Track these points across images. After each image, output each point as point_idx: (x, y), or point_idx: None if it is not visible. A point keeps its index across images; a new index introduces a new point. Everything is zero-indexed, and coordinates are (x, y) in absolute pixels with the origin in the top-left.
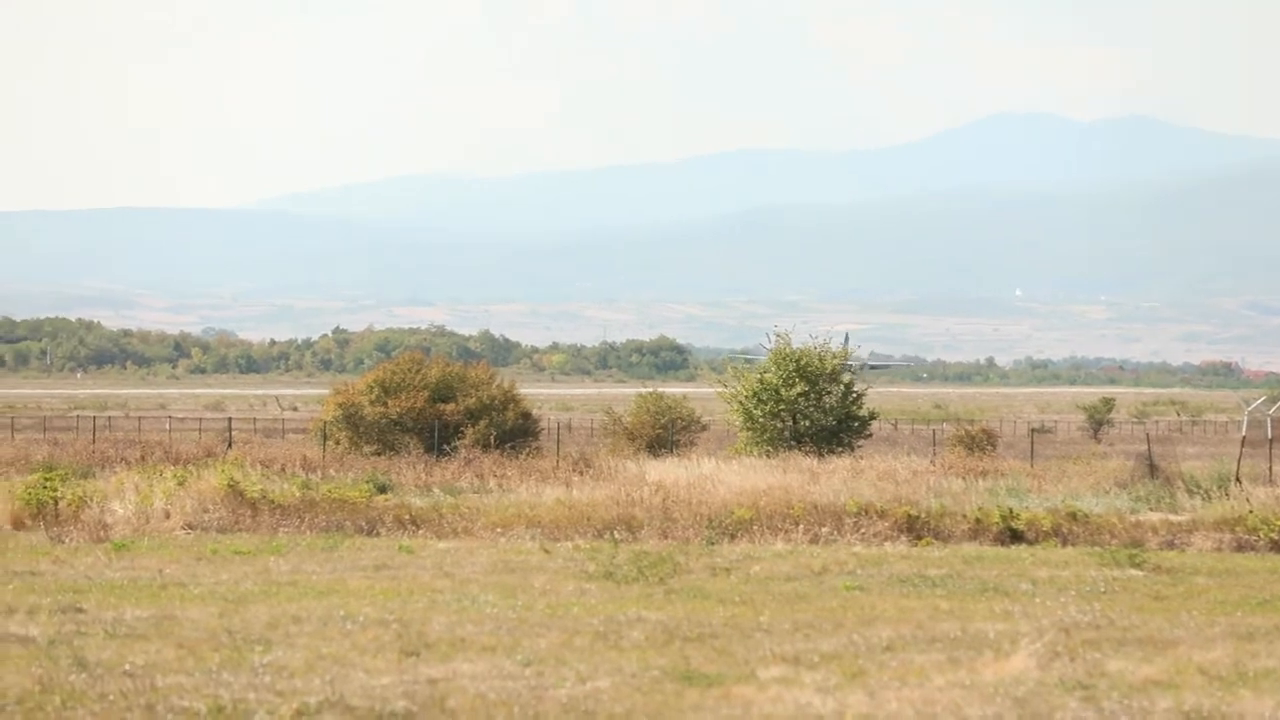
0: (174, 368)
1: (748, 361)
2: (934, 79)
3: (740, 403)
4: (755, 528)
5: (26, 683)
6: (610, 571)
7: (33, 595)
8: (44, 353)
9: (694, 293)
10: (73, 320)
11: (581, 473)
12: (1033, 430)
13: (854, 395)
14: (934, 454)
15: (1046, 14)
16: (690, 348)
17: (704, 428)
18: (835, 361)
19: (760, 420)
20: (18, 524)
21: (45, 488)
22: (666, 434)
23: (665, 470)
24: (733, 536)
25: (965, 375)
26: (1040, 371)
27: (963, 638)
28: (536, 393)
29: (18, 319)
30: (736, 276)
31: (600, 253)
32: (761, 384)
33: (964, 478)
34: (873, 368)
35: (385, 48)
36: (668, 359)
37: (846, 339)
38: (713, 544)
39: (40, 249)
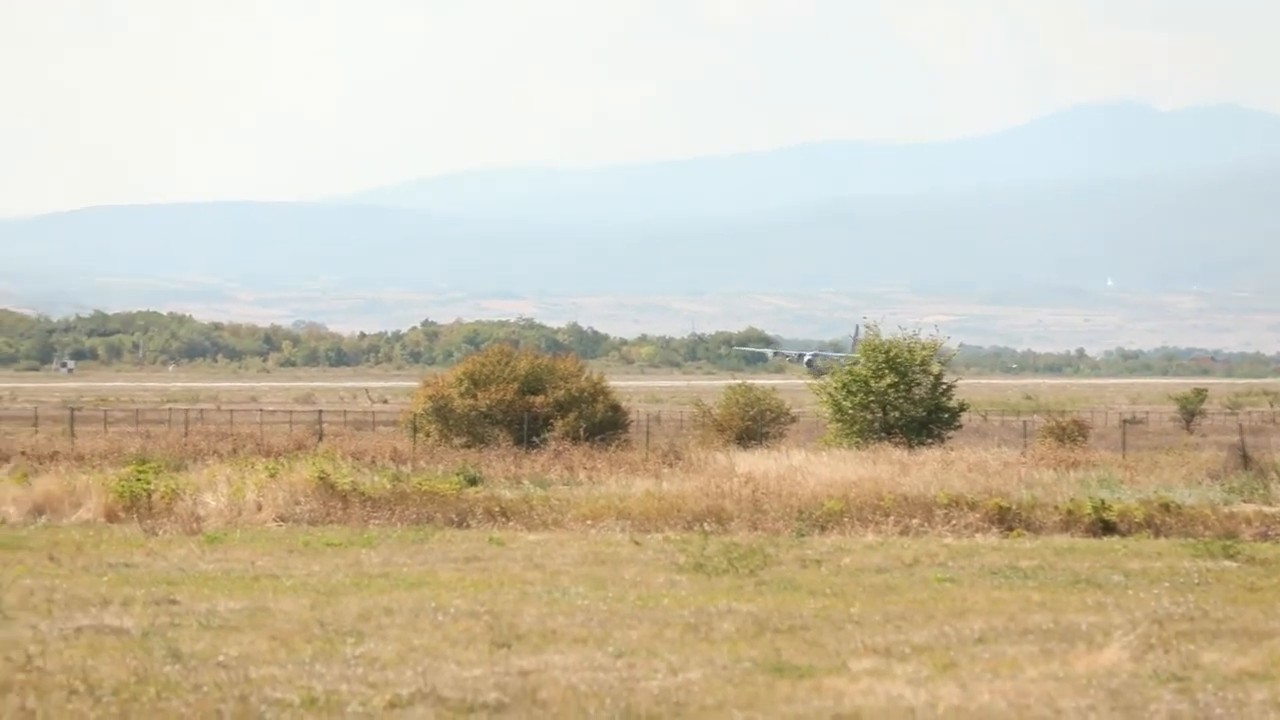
0: (265, 361)
1: (834, 353)
2: (1017, 69)
3: (830, 394)
4: (845, 519)
5: (122, 674)
6: (700, 563)
7: (127, 587)
8: (136, 346)
9: (782, 285)
10: (164, 314)
11: (671, 465)
12: (1124, 421)
13: (944, 386)
14: (1025, 445)
15: (1126, 2)
16: (779, 339)
17: (793, 419)
18: (925, 353)
19: (850, 412)
20: (112, 516)
21: (139, 480)
22: (756, 426)
23: (755, 462)
24: (823, 528)
25: (1056, 366)
26: (1131, 362)
27: (1055, 629)
28: (625, 385)
29: (110, 312)
30: (825, 268)
31: (688, 244)
32: (851, 376)
33: (1055, 469)
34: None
35: (476, 38)
36: (757, 351)
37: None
38: (803, 536)
39: (132, 243)
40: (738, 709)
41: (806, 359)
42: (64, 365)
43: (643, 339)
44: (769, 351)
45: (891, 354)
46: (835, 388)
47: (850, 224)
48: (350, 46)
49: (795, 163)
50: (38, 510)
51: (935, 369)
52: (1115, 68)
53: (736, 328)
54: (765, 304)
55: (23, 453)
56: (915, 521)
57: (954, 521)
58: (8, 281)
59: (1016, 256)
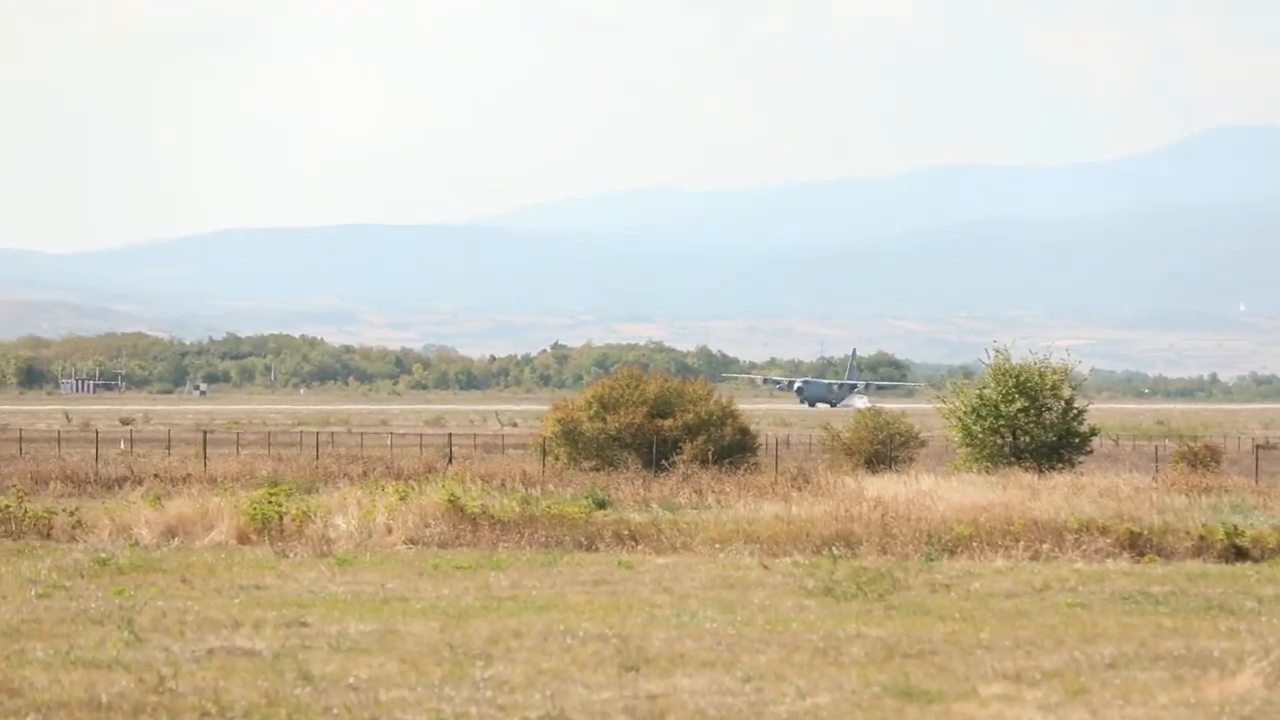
0: (395, 383)
1: (828, 381)
2: (1149, 92)
3: (959, 419)
4: (975, 544)
5: (253, 695)
6: (829, 587)
7: (259, 609)
8: (268, 369)
9: (914, 308)
10: (296, 336)
11: (800, 488)
12: (1258, 446)
13: (1075, 411)
14: (1156, 470)
15: (1262, 23)
16: (909, 363)
17: (922, 444)
18: (1055, 377)
19: (979, 436)
20: (243, 538)
21: (270, 503)
22: (885, 450)
23: (884, 486)
24: (952, 553)
25: (1188, 391)
26: (1265, 387)
27: (1187, 656)
28: (754, 408)
29: (242, 335)
30: (957, 292)
31: (819, 267)
32: (981, 400)
33: (1187, 494)
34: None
35: (606, 61)
36: (886, 374)
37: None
38: (932, 560)
39: (265, 266)
40: None
41: (796, 386)
42: (197, 388)
43: (772, 362)
44: (758, 378)
45: (1022, 378)
46: (965, 412)
47: (983, 247)
48: (485, 69)
49: (927, 186)
50: (170, 532)
51: (1066, 393)
52: (1248, 90)
53: (866, 351)
54: (896, 328)
55: (156, 475)
56: (1045, 546)
57: (1084, 546)
58: (142, 305)
59: (1149, 281)
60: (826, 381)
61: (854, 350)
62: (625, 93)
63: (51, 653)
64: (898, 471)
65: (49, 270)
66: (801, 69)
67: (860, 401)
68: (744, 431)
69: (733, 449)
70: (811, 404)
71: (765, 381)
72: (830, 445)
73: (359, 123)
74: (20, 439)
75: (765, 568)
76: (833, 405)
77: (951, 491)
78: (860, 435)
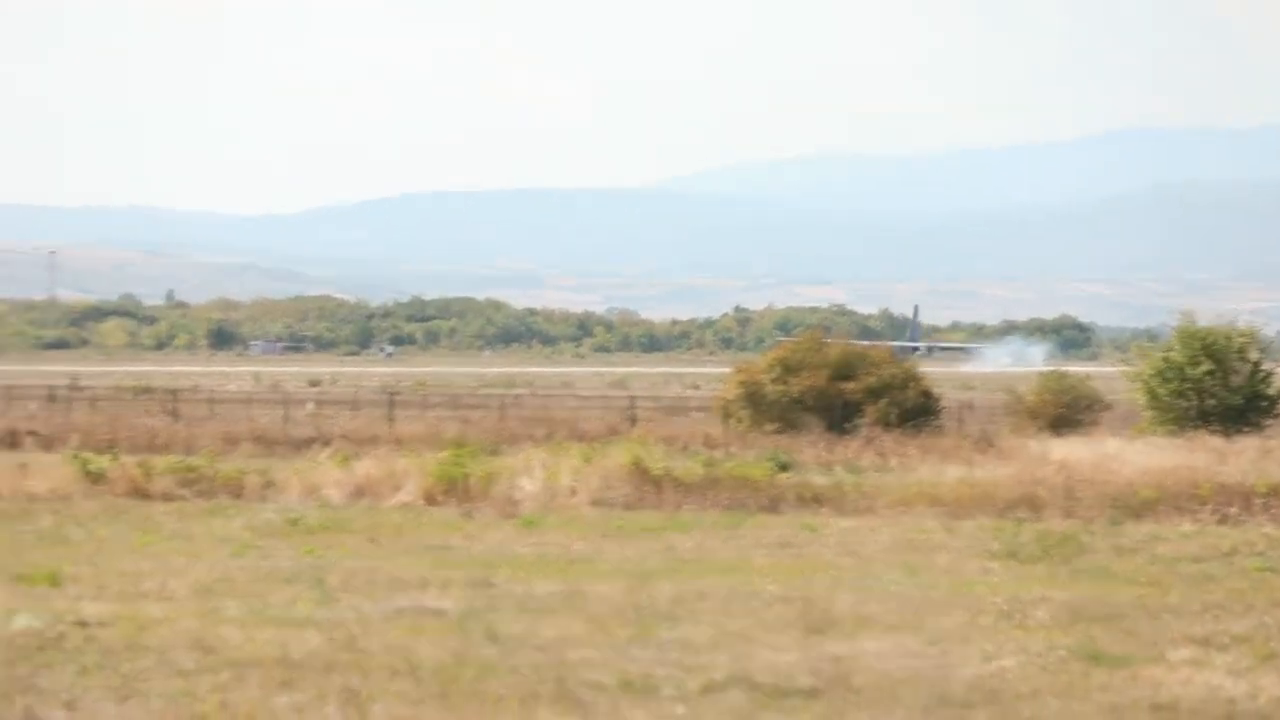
0: (578, 346)
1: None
2: None
3: (1144, 382)
4: (1161, 508)
5: (441, 654)
6: (1014, 550)
7: (446, 569)
8: (453, 331)
9: (1097, 271)
10: (481, 300)
11: (983, 451)
12: None
13: (1262, 374)
14: None
15: None
16: (1093, 326)
17: (1107, 407)
18: (1242, 340)
19: (1165, 399)
20: (430, 499)
21: (456, 464)
22: (1069, 413)
23: (1068, 449)
24: (1138, 516)
25: None
26: None
27: None
28: (937, 371)
29: (428, 298)
30: (1143, 255)
31: (1001, 231)
32: (1166, 363)
33: None
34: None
35: (789, 27)
36: (1070, 337)
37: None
38: (1117, 524)
39: (450, 229)
40: (1053, 697)
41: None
42: (383, 350)
43: (954, 326)
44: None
45: (1208, 341)
46: (1150, 375)
47: (1170, 209)
48: (666, 33)
49: (1113, 147)
50: (359, 493)
51: (1254, 356)
52: None
53: (1049, 314)
54: (1080, 290)
55: (343, 436)
56: (1233, 510)
57: (1273, 510)
58: (329, 268)
59: None
60: (886, 345)
61: (915, 308)
62: (806, 58)
63: (245, 611)
64: (1082, 435)
65: (238, 233)
66: (979, 33)
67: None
68: (927, 394)
69: (916, 412)
70: None
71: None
72: (1014, 408)
73: (546, 87)
74: (211, 400)
75: (949, 531)
76: None
77: (1137, 455)
78: (1044, 398)
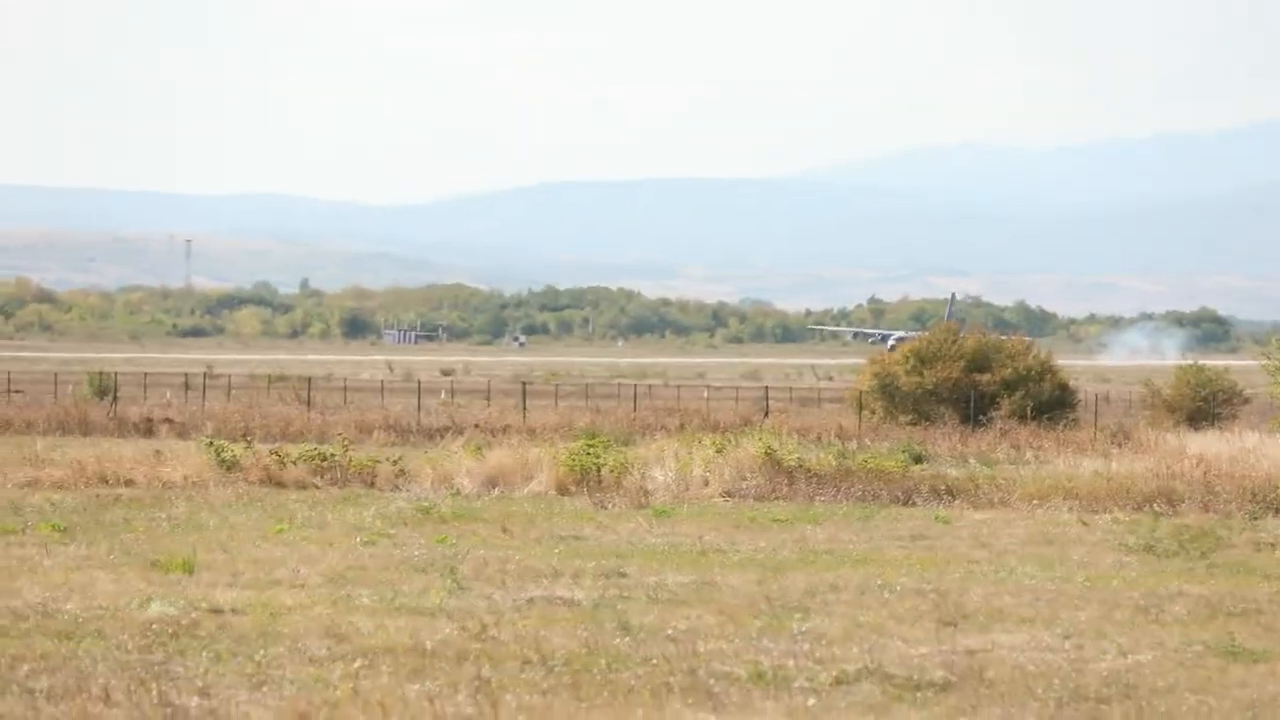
0: (711, 336)
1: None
2: None
3: None
4: None
5: (573, 645)
6: (1150, 545)
7: (578, 559)
8: (586, 321)
9: (1236, 264)
10: (614, 289)
11: (1119, 445)
12: None
13: None
14: None
15: None
16: (1232, 319)
17: (1246, 401)
18: None
19: None
20: (562, 489)
21: (589, 454)
22: (1207, 406)
23: (1205, 443)
24: (1277, 511)
25: None
26: None
27: None
28: (1072, 364)
29: (561, 288)
30: None
31: (1140, 223)
32: None
33: None
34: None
35: (923, 18)
36: (1209, 331)
37: None
38: (1256, 519)
39: (584, 218)
40: (1190, 692)
41: (890, 344)
42: (516, 340)
43: (1091, 318)
44: (849, 332)
45: None
46: None
47: None
48: (802, 24)
49: (1247, 141)
50: (491, 482)
51: None
52: None
53: (1189, 307)
54: (1218, 283)
55: (476, 425)
56: None
57: None
58: (463, 257)
59: None
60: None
61: (953, 295)
62: (942, 48)
63: (377, 599)
64: (1220, 429)
65: (373, 222)
66: (1115, 21)
67: None
68: (1063, 387)
69: (1051, 405)
70: None
71: (855, 336)
72: (1151, 402)
73: (680, 78)
74: (345, 388)
75: (1084, 524)
76: None
77: (1276, 449)
78: (1182, 392)
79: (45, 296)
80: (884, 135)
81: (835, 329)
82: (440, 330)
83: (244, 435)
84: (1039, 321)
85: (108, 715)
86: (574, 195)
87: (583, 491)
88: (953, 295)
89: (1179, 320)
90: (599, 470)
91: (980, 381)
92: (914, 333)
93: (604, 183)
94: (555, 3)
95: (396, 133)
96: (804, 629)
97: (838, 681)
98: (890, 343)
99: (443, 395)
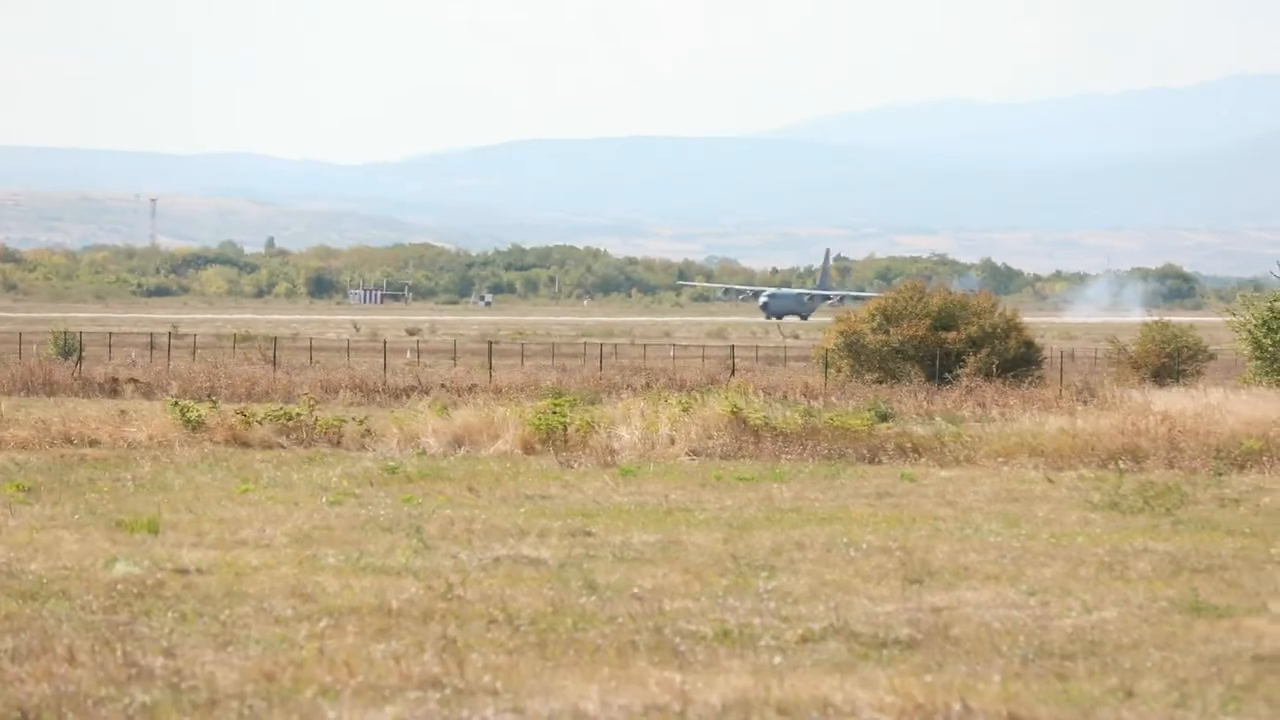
0: (677, 295)
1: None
2: None
3: (1249, 332)
4: (1265, 459)
5: (539, 604)
6: (1115, 501)
7: (543, 518)
8: (552, 280)
9: (1204, 220)
10: (580, 248)
11: (1085, 402)
12: None
13: None
14: None
15: None
16: (1197, 276)
17: (1211, 357)
18: None
19: (1270, 349)
20: (528, 449)
21: (555, 413)
22: (1172, 363)
23: (1171, 400)
24: (1241, 467)
25: None
26: None
27: None
28: (1038, 321)
29: (527, 247)
30: (1252, 204)
31: (1109, 180)
32: (1272, 313)
33: None
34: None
35: None
36: (1174, 287)
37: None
38: (1220, 475)
39: (556, 178)
40: (1154, 648)
41: (761, 300)
42: (482, 299)
43: (1057, 275)
44: (719, 288)
45: None
46: (1255, 325)
47: (1273, 158)
48: None
49: (1224, 94)
50: (457, 441)
51: None
52: None
53: (1155, 264)
54: (1187, 240)
55: (442, 385)
56: None
57: None
58: (429, 215)
59: None
60: (796, 292)
61: (827, 251)
62: (906, 6)
63: (342, 559)
64: (1185, 385)
65: (340, 182)
66: None
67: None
68: (1029, 344)
69: (1017, 362)
70: (779, 318)
71: (726, 293)
72: (1116, 358)
73: (648, 37)
74: (310, 348)
75: (1050, 481)
76: (804, 318)
77: (1241, 405)
78: (1147, 348)
79: (9, 256)
80: (857, 95)
81: (706, 285)
82: (406, 289)
83: (209, 395)
84: (1005, 279)
85: (72, 675)
86: (548, 153)
87: (549, 451)
88: (827, 251)
89: (1144, 276)
90: (565, 429)
91: (946, 339)
92: (783, 289)
93: (575, 140)
94: None
95: (367, 92)
96: (770, 587)
97: (804, 639)
98: (762, 299)
99: (408, 355)
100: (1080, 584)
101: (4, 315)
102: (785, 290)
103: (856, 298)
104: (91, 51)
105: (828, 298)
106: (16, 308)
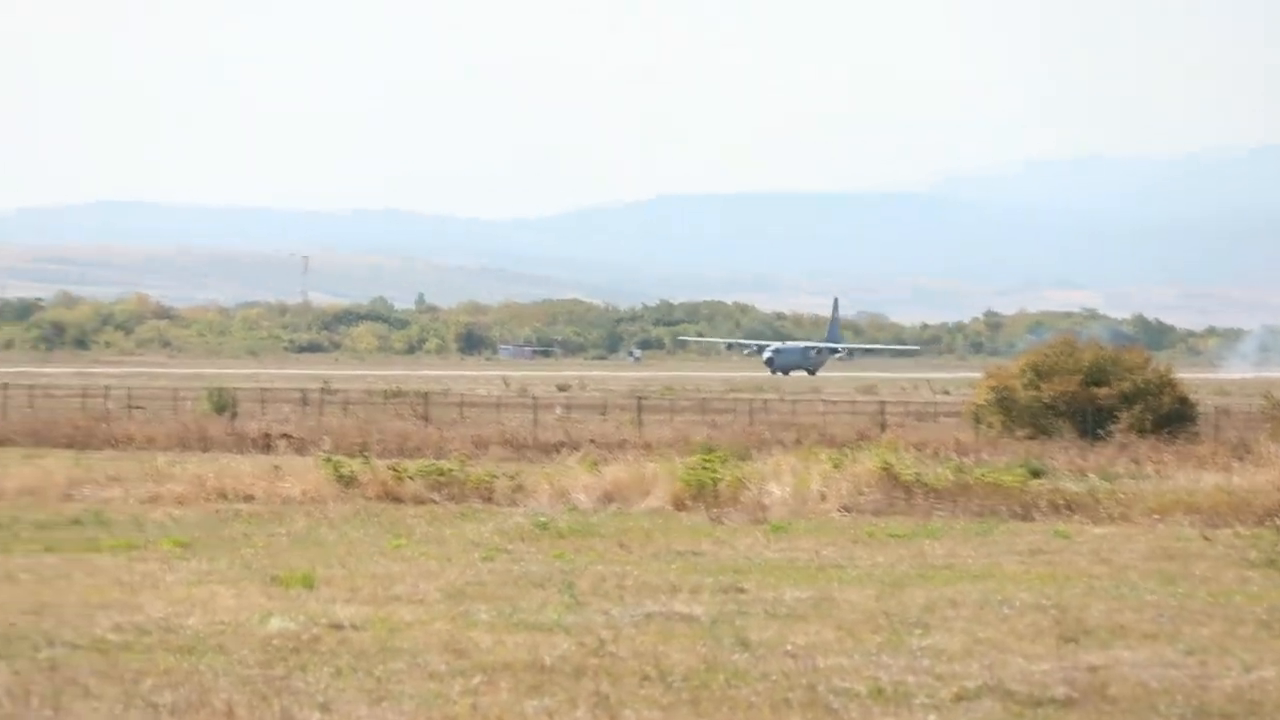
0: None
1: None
2: None
3: None
4: None
5: (692, 660)
6: (1273, 560)
7: (695, 575)
8: (699, 336)
9: None
10: (729, 303)
11: (1241, 459)
12: None
13: None
14: None
15: None
16: None
17: None
18: None
19: None
20: (679, 504)
21: (705, 469)
22: None
23: None
24: None
25: None
26: None
27: None
28: (1193, 377)
29: (676, 302)
30: None
31: (1258, 236)
32: None
33: None
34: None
35: (1031, 27)
36: None
37: None
38: None
39: (697, 232)
40: None
41: (766, 355)
42: (631, 354)
43: (1210, 331)
44: (723, 343)
45: None
46: None
47: None
48: (905, 42)
49: None
50: (607, 497)
51: None
52: None
53: None
54: None
55: (592, 441)
56: None
57: None
58: (578, 272)
59: None
60: (802, 346)
61: (835, 301)
62: (1054, 60)
63: (495, 614)
64: None
65: (490, 238)
66: (1228, 33)
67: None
68: (1183, 400)
69: (1171, 418)
70: (785, 373)
71: (730, 347)
72: (1272, 414)
73: (789, 90)
74: (461, 404)
75: (1206, 539)
76: (811, 373)
77: None
78: None
79: (164, 313)
80: (996, 150)
81: (710, 340)
82: (555, 345)
83: (361, 450)
84: (1156, 334)
85: None
86: (689, 208)
87: (699, 507)
88: (835, 301)
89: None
90: (716, 485)
91: (1098, 395)
92: (789, 344)
93: (718, 195)
94: (673, 9)
95: (514, 149)
96: (923, 645)
97: (958, 698)
98: (766, 354)
99: (558, 410)
100: (1239, 643)
101: (160, 371)
102: (791, 344)
103: (867, 351)
104: (243, 114)
105: (835, 350)
106: (171, 364)
